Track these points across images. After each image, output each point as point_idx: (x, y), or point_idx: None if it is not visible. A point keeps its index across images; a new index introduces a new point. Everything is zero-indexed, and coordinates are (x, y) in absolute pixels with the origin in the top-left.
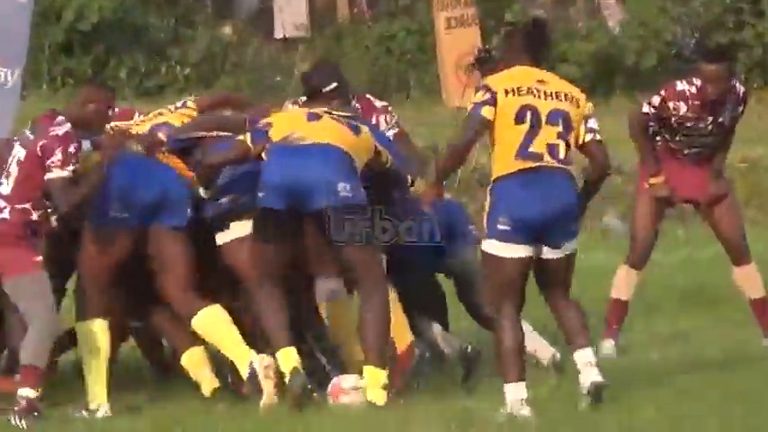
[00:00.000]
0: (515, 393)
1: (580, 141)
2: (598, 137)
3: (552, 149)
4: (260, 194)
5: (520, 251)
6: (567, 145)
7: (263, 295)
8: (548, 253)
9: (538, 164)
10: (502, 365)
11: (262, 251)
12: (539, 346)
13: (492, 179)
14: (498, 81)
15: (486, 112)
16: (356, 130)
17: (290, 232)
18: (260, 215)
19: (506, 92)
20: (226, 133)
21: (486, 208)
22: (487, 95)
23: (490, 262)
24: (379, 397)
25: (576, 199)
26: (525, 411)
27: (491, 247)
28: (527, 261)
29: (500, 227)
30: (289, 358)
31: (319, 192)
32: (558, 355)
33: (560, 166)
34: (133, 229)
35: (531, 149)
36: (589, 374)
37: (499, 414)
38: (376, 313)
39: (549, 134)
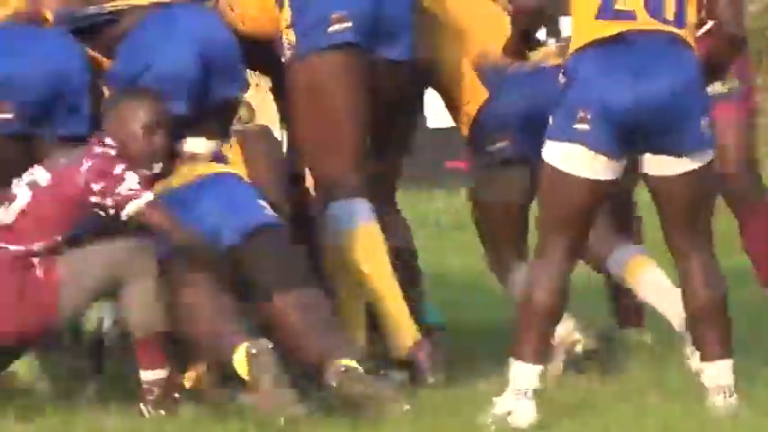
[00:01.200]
0: (524, 379)
1: None
2: None
3: (653, 5)
4: None
5: (601, 170)
6: None
7: None
8: (653, 166)
9: (629, 27)
10: (518, 332)
11: None
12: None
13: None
14: None
15: None
16: None
17: None
18: None
19: None
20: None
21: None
22: None
23: (551, 179)
24: None
25: (698, 77)
26: (527, 407)
27: (557, 155)
28: (605, 187)
29: (578, 126)
30: None
31: None
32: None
33: (668, 29)
34: None
35: (618, 5)
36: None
37: (496, 403)
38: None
39: None
